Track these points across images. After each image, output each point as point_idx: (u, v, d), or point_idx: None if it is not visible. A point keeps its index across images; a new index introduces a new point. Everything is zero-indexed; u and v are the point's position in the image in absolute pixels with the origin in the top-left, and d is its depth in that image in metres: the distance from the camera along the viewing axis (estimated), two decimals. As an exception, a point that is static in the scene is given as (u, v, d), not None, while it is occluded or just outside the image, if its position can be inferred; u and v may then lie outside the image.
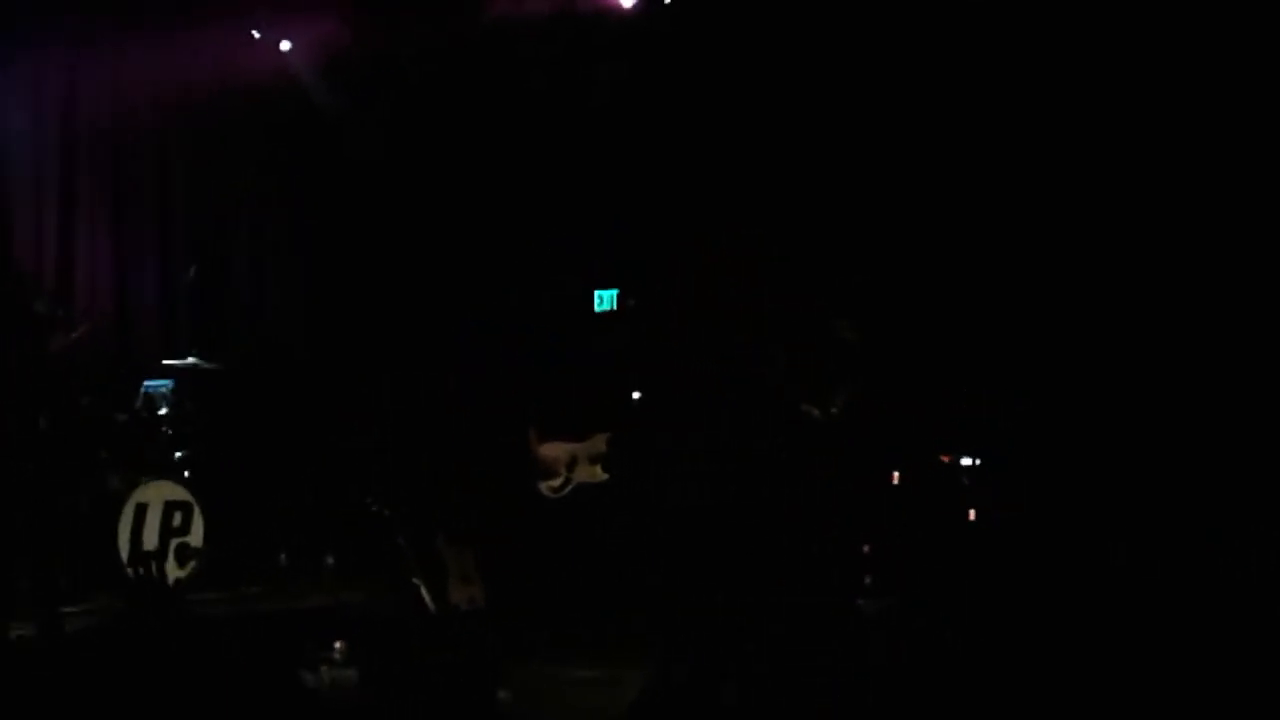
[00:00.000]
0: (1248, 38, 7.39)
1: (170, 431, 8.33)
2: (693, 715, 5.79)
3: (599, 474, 8.65)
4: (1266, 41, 7.34)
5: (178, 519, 7.94)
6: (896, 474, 8.11)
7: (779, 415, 6.20)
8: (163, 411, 8.33)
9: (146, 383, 8.40)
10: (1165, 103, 7.77)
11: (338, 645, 6.41)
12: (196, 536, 7.96)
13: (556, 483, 8.62)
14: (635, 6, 9.42)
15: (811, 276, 8.74)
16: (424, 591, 7.65)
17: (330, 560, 8.39)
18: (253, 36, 9.64)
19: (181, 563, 7.88)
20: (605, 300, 9.38)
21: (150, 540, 7.81)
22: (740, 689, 5.95)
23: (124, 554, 7.71)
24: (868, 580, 7.47)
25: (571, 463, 8.66)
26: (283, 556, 8.45)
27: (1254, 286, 7.50)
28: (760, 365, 6.42)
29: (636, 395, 9.01)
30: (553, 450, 8.70)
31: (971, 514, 7.98)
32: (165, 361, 8.57)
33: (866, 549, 7.54)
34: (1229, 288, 7.58)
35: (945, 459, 8.08)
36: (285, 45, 9.76)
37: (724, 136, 9.37)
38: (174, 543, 7.90)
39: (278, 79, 9.70)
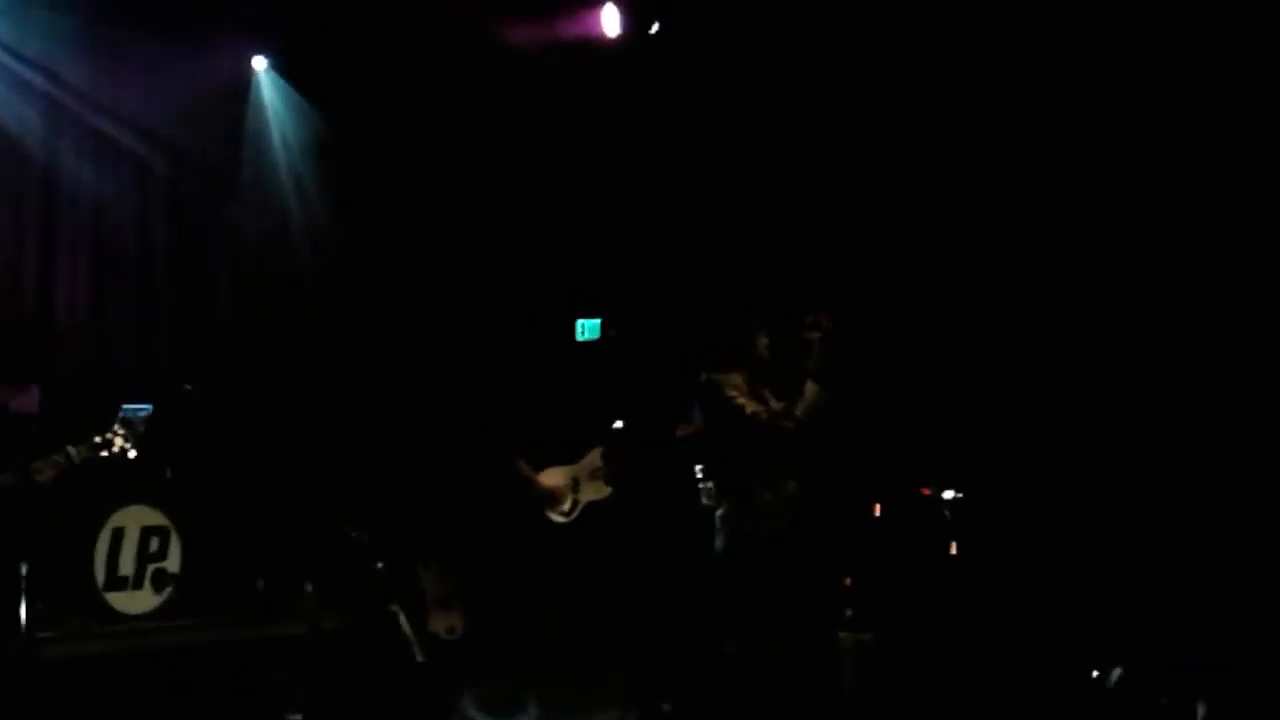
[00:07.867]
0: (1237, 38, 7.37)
1: (148, 456, 8.24)
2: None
3: (604, 489, 8.63)
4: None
5: (155, 544, 7.87)
6: (878, 506, 8.11)
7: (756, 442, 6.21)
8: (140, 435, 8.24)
9: (124, 406, 8.32)
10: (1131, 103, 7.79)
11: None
12: (174, 562, 7.90)
13: (566, 506, 8.59)
14: (620, 37, 9.42)
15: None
16: (402, 619, 7.61)
17: (309, 587, 8.32)
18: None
19: (158, 589, 7.81)
20: (587, 330, 9.35)
21: (126, 566, 7.74)
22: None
23: (99, 579, 7.64)
24: (848, 613, 7.46)
25: (574, 484, 8.65)
26: (260, 582, 8.37)
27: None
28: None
29: (618, 425, 8.98)
30: (553, 477, 8.67)
31: (953, 548, 7.97)
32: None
33: (847, 582, 7.53)
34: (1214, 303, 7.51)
35: (926, 492, 8.07)
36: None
37: (704, 164, 9.39)
38: (151, 568, 7.83)
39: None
